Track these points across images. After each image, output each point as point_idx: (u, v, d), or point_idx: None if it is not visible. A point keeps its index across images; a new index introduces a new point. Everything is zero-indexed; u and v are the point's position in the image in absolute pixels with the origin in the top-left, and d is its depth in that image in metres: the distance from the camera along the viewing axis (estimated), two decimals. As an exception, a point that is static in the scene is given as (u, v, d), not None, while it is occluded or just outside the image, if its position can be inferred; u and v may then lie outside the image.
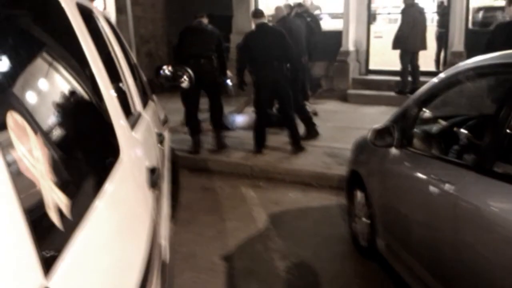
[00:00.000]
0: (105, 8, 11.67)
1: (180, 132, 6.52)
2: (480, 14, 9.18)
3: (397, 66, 8.50)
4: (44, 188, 0.86)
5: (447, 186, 2.25)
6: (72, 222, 0.96)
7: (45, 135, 1.02)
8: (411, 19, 8.09)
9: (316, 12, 10.13)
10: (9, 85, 0.95)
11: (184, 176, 4.95)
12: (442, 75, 2.87)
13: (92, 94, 1.47)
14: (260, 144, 5.87)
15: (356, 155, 3.78)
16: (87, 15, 1.91)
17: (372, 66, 9.76)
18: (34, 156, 0.86)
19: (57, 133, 1.12)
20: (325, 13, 10.49)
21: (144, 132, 2.33)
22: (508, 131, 2.06)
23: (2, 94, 0.90)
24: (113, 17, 10.43)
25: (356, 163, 3.75)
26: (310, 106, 7.51)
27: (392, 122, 3.06)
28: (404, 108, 3.06)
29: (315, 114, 7.58)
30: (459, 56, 7.89)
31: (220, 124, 6.15)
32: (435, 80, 2.87)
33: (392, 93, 8.45)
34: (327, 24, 10.32)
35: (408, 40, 8.06)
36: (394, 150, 2.97)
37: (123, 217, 1.34)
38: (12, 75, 0.99)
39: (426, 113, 2.99)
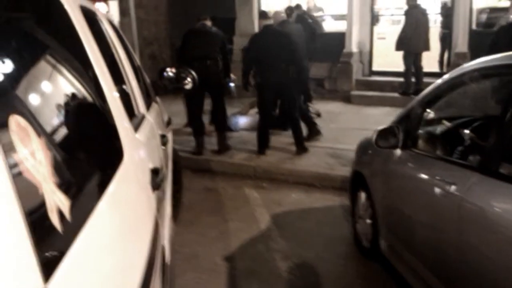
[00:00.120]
0: (108, 11, 11.72)
1: (183, 133, 6.52)
2: (484, 15, 9.14)
3: (400, 67, 8.47)
4: (46, 190, 0.86)
5: (451, 187, 2.24)
6: (74, 224, 0.95)
7: (48, 137, 1.01)
8: (414, 20, 8.07)
9: (319, 13, 10.14)
10: (12, 88, 0.95)
11: (187, 177, 4.96)
12: (446, 76, 2.86)
13: (96, 96, 1.47)
14: (263, 145, 5.87)
15: (360, 156, 3.78)
16: (90, 17, 1.91)
17: (375, 68, 9.74)
18: (36, 159, 0.86)
19: (60, 135, 1.12)
20: (328, 14, 10.47)
21: (148, 134, 2.33)
22: (513, 132, 2.05)
23: (5, 97, 0.90)
24: (116, 20, 10.47)
25: (359, 164, 3.74)
26: (313, 107, 7.51)
27: (396, 123, 3.05)
28: (409, 109, 3.05)
29: (319, 115, 7.58)
30: (463, 57, 7.87)
31: (223, 126, 6.15)
32: (439, 81, 2.86)
33: (395, 94, 8.43)
34: (330, 26, 10.31)
35: (411, 41, 8.04)
36: (398, 151, 2.96)
37: (126, 220, 1.34)
38: (15, 78, 0.99)
39: (431, 114, 2.98)
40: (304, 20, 7.84)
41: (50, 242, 0.85)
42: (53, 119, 1.14)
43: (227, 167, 5.67)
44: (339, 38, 9.25)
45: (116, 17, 10.74)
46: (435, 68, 9.55)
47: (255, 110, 7.36)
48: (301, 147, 5.79)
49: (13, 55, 1.00)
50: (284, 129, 6.43)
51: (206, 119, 6.42)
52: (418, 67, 8.28)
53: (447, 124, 2.94)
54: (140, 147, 1.91)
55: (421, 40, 8.08)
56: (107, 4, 11.80)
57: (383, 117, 6.57)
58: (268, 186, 5.14)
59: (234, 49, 9.33)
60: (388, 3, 10.15)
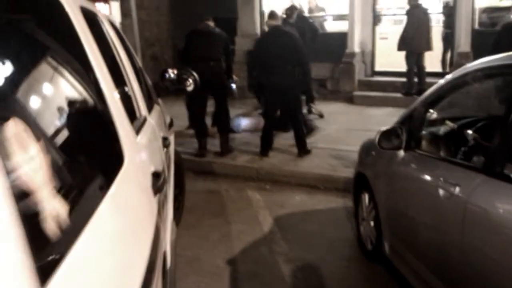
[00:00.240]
0: (110, 12, 11.73)
1: (186, 135, 6.51)
2: (486, 15, 9.10)
3: (402, 67, 8.45)
4: (44, 195, 0.85)
5: (455, 189, 2.22)
6: (73, 229, 0.94)
7: (46, 140, 1.00)
8: (416, 20, 8.05)
9: (321, 13, 10.12)
10: (11, 90, 0.94)
11: (190, 179, 4.94)
12: (449, 76, 2.83)
13: (96, 99, 1.45)
14: (266, 147, 5.85)
15: (363, 158, 3.75)
16: (91, 18, 1.90)
17: (377, 68, 9.71)
18: (34, 162, 0.85)
19: (59, 138, 1.11)
20: (330, 14, 10.44)
21: (149, 136, 2.31)
22: (518, 132, 2.02)
23: (3, 99, 0.89)
24: (118, 21, 10.47)
25: (362, 165, 3.72)
26: (315, 108, 7.49)
27: (399, 124, 3.03)
28: (411, 110, 3.03)
29: (321, 116, 7.56)
30: (465, 57, 7.84)
31: (226, 127, 6.14)
32: (442, 81, 2.84)
33: (398, 95, 8.40)
34: (332, 26, 10.29)
35: (413, 41, 8.01)
36: (401, 152, 2.94)
37: (126, 224, 1.33)
38: (14, 79, 0.98)
39: (434, 114, 2.95)
40: (305, 20, 7.83)
41: (46, 246, 0.84)
42: (52, 122, 1.13)
43: (229, 169, 5.65)
44: (341, 39, 9.23)
45: (118, 18, 10.75)
46: (438, 68, 9.52)
47: (256, 111, 7.36)
48: (303, 150, 5.76)
49: (13, 56, 0.99)
50: (285, 130, 6.41)
51: (208, 120, 6.42)
52: (421, 67, 8.26)
53: (450, 124, 2.91)
54: (141, 151, 1.90)
55: (423, 39, 8.06)
56: (109, 5, 11.82)
57: (385, 117, 6.54)
58: (271, 188, 5.12)
59: (236, 49, 9.31)
60: (389, 3, 10.11)
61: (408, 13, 8.22)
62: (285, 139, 6.28)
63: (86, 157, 1.26)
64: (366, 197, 3.51)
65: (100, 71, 1.54)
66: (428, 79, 7.91)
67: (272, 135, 5.94)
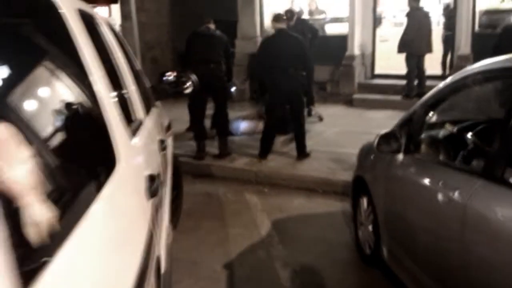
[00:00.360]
0: (110, 15, 11.73)
1: (185, 138, 6.48)
2: (487, 17, 9.07)
3: (403, 70, 8.42)
4: (30, 199, 0.83)
5: (454, 194, 2.18)
6: (59, 234, 0.92)
7: (36, 143, 0.99)
8: (416, 23, 8.02)
9: (321, 16, 10.10)
10: (2, 92, 0.95)
11: (188, 182, 4.91)
12: (449, 79, 2.80)
13: (89, 102, 1.43)
14: (266, 150, 5.81)
15: (362, 161, 3.72)
16: (89, 21, 1.89)
17: (378, 70, 9.68)
18: (21, 167, 0.83)
19: (49, 141, 1.10)
20: (330, 17, 10.42)
21: (146, 139, 2.29)
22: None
23: None
24: (118, 24, 10.47)
25: (361, 169, 3.69)
26: (315, 111, 7.46)
27: (398, 127, 2.99)
28: (411, 113, 2.99)
29: (321, 119, 7.53)
30: (466, 60, 7.80)
31: (225, 130, 6.11)
32: (442, 84, 2.80)
33: (398, 97, 8.36)
34: (332, 28, 10.27)
35: (413, 43, 7.99)
36: (400, 156, 2.90)
37: (116, 228, 1.30)
38: (6, 82, 0.97)
39: (433, 118, 2.92)
40: (305, 22, 7.81)
41: (31, 251, 0.83)
42: (42, 124, 1.12)
43: (228, 172, 5.62)
44: (341, 41, 9.20)
45: (118, 21, 10.75)
46: (438, 71, 9.49)
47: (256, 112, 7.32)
48: (302, 153, 5.72)
49: (7, 58, 1.00)
50: (285, 133, 6.38)
51: (207, 123, 6.38)
52: (421, 69, 8.23)
53: (450, 128, 2.87)
54: (135, 154, 1.87)
55: (423, 42, 8.03)
56: (109, 7, 11.82)
57: (385, 120, 6.50)
58: (269, 191, 5.09)
59: (236, 52, 9.29)
60: (390, 5, 10.10)
61: (409, 15, 8.20)
62: (283, 142, 6.24)
63: (75, 160, 1.24)
64: (364, 201, 3.48)
65: (95, 74, 1.52)
66: (428, 82, 7.89)
67: (272, 137, 5.90)
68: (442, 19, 9.87)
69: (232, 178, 5.50)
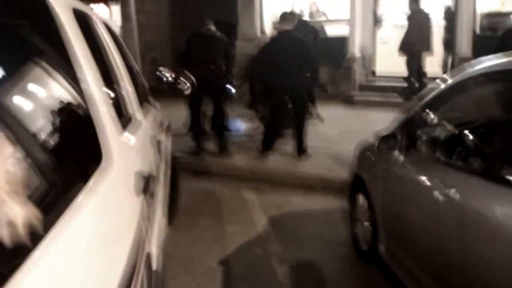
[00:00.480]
0: (111, 16, 11.75)
1: (183, 135, 6.45)
2: (488, 20, 9.06)
3: (403, 71, 8.41)
4: (3, 198, 0.81)
5: (452, 192, 2.16)
6: (36, 236, 0.89)
7: (15, 138, 0.97)
8: (417, 24, 8.03)
9: (322, 18, 10.09)
10: None
11: (186, 179, 4.88)
12: (448, 78, 2.78)
13: (76, 99, 1.42)
14: (267, 146, 5.78)
15: (359, 159, 3.69)
16: (84, 20, 1.90)
17: (378, 72, 9.68)
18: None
19: (32, 137, 1.08)
20: (331, 19, 10.40)
21: (140, 138, 2.28)
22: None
23: None
24: (119, 25, 10.49)
25: (359, 167, 3.67)
26: (316, 113, 7.45)
27: (397, 126, 2.97)
28: (410, 112, 2.97)
29: (321, 120, 7.51)
30: (466, 62, 7.77)
31: (223, 128, 6.10)
32: (440, 83, 2.78)
33: (398, 99, 8.34)
34: (333, 30, 10.25)
35: (414, 45, 7.99)
36: (397, 155, 2.88)
37: (101, 225, 1.26)
38: None
39: (431, 116, 2.89)
40: (305, 24, 7.81)
41: (4, 251, 0.80)
42: (23, 120, 1.09)
43: (225, 169, 5.60)
44: (342, 43, 9.21)
45: (118, 22, 10.76)
46: (439, 73, 9.46)
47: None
48: (301, 151, 5.70)
49: None
50: (281, 136, 6.34)
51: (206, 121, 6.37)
52: (421, 71, 8.22)
53: (448, 126, 2.85)
54: (125, 150, 1.83)
55: (424, 44, 8.03)
56: (109, 8, 11.84)
57: (386, 121, 6.45)
58: (267, 189, 5.06)
59: (236, 54, 9.27)
60: (390, 7, 10.10)
61: (410, 17, 8.21)
62: (282, 140, 6.21)
63: (57, 156, 1.19)
64: (362, 199, 3.45)
65: (86, 71, 1.50)
66: (428, 83, 7.86)
67: (275, 136, 5.87)
68: (442, 22, 9.84)
69: (229, 175, 5.47)
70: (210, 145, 6.10)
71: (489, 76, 2.41)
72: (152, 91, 3.52)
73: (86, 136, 1.46)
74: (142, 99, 2.90)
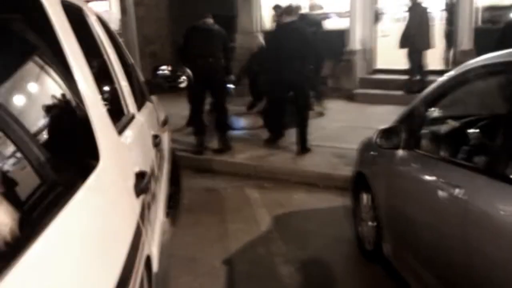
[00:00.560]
0: (110, 9, 11.66)
1: (184, 133, 6.44)
2: (489, 12, 9.00)
3: (404, 65, 8.37)
4: None
5: (456, 191, 2.15)
6: (22, 239, 0.87)
7: (9, 138, 0.94)
8: (418, 18, 7.99)
9: (321, 11, 10.01)
10: None
11: (188, 177, 4.88)
12: (451, 73, 2.76)
13: (69, 97, 1.38)
14: (279, 129, 5.83)
15: (362, 156, 3.68)
16: (75, 13, 1.84)
17: (379, 65, 9.63)
18: None
19: (25, 137, 1.04)
20: (330, 12, 10.34)
21: (136, 134, 2.24)
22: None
23: None
24: (117, 18, 10.40)
25: (361, 164, 3.65)
26: (322, 106, 7.46)
27: (399, 122, 2.96)
28: (412, 107, 2.96)
29: (321, 114, 7.49)
30: (468, 55, 7.73)
31: (225, 125, 6.08)
32: (443, 78, 2.76)
33: (399, 92, 8.32)
34: (333, 23, 10.18)
35: (415, 38, 7.96)
36: (400, 152, 2.87)
37: (96, 229, 1.23)
38: None
39: (435, 113, 2.88)
40: (304, 17, 7.75)
41: None
42: (13, 118, 1.06)
43: (228, 167, 5.59)
44: (342, 36, 9.16)
45: (117, 16, 10.68)
46: (440, 66, 9.42)
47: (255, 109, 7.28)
48: (304, 148, 5.70)
49: None
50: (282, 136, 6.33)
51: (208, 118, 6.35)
52: (422, 64, 8.19)
53: (452, 123, 2.84)
54: (123, 150, 1.80)
55: (425, 37, 8.00)
56: (109, 1, 11.76)
57: (387, 115, 6.41)
58: (270, 186, 5.06)
59: (236, 47, 9.22)
60: (391, 1, 10.06)
61: (410, 10, 8.17)
62: (284, 137, 6.21)
63: (51, 157, 1.15)
64: (365, 197, 3.45)
65: (77, 67, 1.45)
66: (431, 77, 7.82)
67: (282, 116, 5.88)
68: (443, 14, 9.79)
69: (232, 173, 5.47)
70: (213, 143, 6.08)
71: (491, 68, 2.39)
72: (149, 85, 3.48)
73: (82, 137, 1.41)
74: (138, 94, 2.84)
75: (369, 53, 9.44)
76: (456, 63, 8.07)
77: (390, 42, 9.58)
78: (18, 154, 1.02)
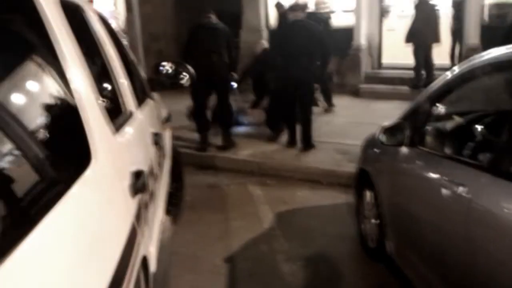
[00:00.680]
0: (116, 6, 11.65)
1: (187, 129, 6.42)
2: (496, 8, 8.92)
3: (410, 60, 8.30)
4: None
5: (460, 189, 2.11)
6: (5, 242, 0.85)
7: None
8: (424, 13, 7.93)
9: (327, 8, 9.93)
10: None
11: (191, 174, 4.86)
12: (456, 69, 2.71)
13: (62, 95, 1.36)
14: (276, 126, 5.86)
15: (365, 153, 3.65)
16: (73, 10, 1.82)
17: (384, 61, 9.58)
18: None
19: (14, 135, 1.02)
20: (337, 8, 10.25)
21: (135, 132, 2.22)
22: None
23: None
24: (122, 16, 10.39)
25: (365, 161, 3.62)
26: (329, 105, 7.42)
27: (403, 119, 2.91)
28: (416, 104, 2.91)
29: (326, 110, 7.45)
30: (474, 51, 7.65)
31: (228, 122, 6.06)
32: (448, 74, 2.71)
33: (405, 88, 8.26)
34: (338, 19, 10.11)
35: (421, 34, 7.89)
36: (404, 149, 2.83)
37: (86, 230, 1.20)
38: None
39: (439, 109, 2.83)
40: (312, 14, 7.70)
41: None
42: (12, 117, 1.05)
43: (231, 164, 5.57)
44: (348, 32, 9.10)
45: (122, 13, 10.68)
46: (446, 62, 9.33)
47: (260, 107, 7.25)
48: (308, 144, 5.66)
49: None
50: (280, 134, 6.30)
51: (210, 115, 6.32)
52: (429, 60, 8.11)
53: (456, 120, 2.79)
54: (118, 149, 1.76)
55: (431, 33, 7.93)
56: (114, 0, 11.74)
57: (392, 111, 6.36)
58: (273, 183, 5.03)
59: (241, 44, 9.18)
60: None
61: (417, 6, 8.09)
62: (286, 134, 6.17)
63: (37, 156, 1.12)
64: (368, 194, 3.41)
65: (72, 65, 1.43)
66: (437, 73, 7.76)
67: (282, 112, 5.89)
68: (450, 10, 9.70)
69: (235, 169, 5.44)
70: (216, 139, 6.05)
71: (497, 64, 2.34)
72: (150, 83, 3.45)
73: (72, 135, 1.39)
74: (140, 93, 2.81)
75: (374, 49, 9.38)
76: (462, 59, 8.00)
77: (396, 38, 9.50)
78: (18, 154, 1.02)
